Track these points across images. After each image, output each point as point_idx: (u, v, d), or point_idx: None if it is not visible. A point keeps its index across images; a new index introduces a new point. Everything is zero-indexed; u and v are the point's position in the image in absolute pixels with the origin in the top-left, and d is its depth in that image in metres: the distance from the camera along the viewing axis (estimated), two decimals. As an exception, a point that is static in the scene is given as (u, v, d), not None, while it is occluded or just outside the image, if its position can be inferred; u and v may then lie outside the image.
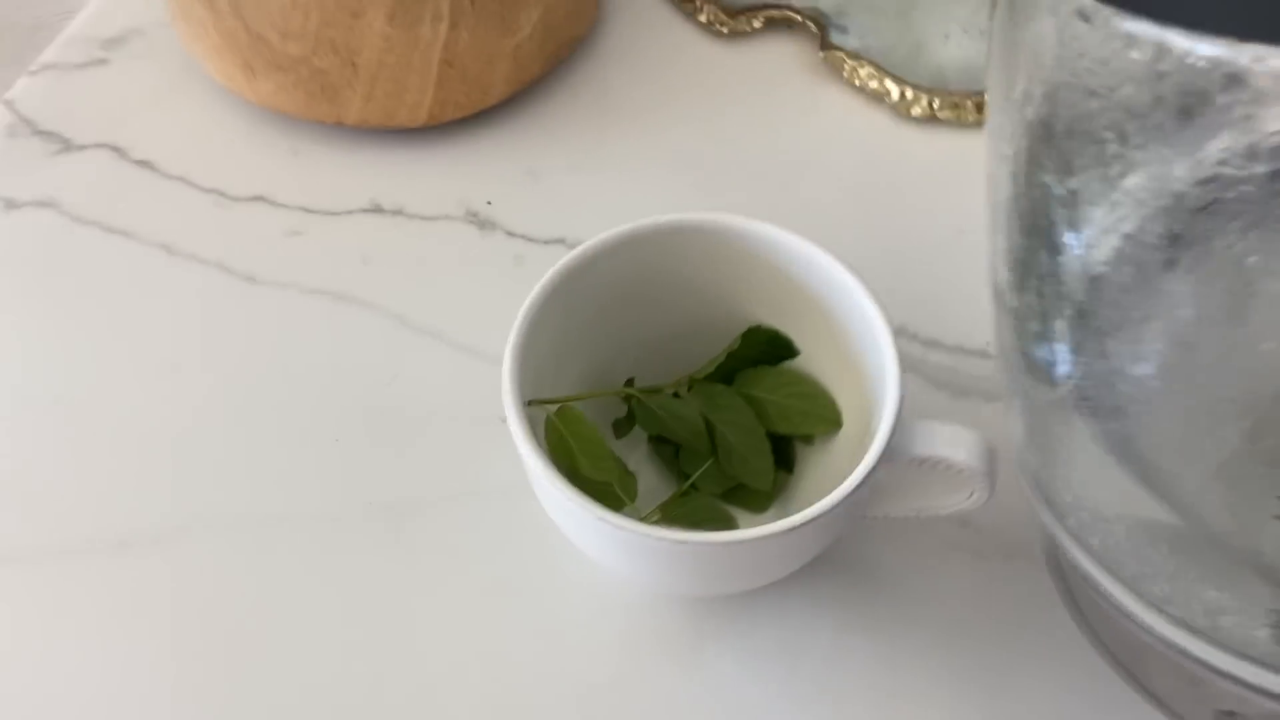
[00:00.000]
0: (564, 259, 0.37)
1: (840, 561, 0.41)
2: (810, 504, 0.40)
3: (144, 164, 0.53)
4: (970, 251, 0.50)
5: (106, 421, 0.46)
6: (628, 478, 0.38)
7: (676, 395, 0.40)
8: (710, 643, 0.40)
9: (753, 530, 0.32)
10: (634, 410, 0.40)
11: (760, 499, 0.41)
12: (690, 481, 0.40)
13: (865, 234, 0.49)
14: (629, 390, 0.40)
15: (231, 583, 0.42)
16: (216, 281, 0.49)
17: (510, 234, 0.50)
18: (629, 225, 0.38)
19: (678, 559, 0.32)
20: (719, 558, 0.32)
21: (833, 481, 0.39)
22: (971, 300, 0.47)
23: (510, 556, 0.42)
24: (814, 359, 0.40)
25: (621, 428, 0.41)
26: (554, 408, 0.37)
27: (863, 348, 0.37)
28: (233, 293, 0.49)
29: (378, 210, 0.51)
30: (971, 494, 0.36)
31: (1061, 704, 0.39)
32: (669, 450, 0.42)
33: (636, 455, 0.42)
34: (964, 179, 0.52)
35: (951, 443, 0.34)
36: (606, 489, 0.37)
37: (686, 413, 0.40)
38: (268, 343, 0.47)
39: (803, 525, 0.32)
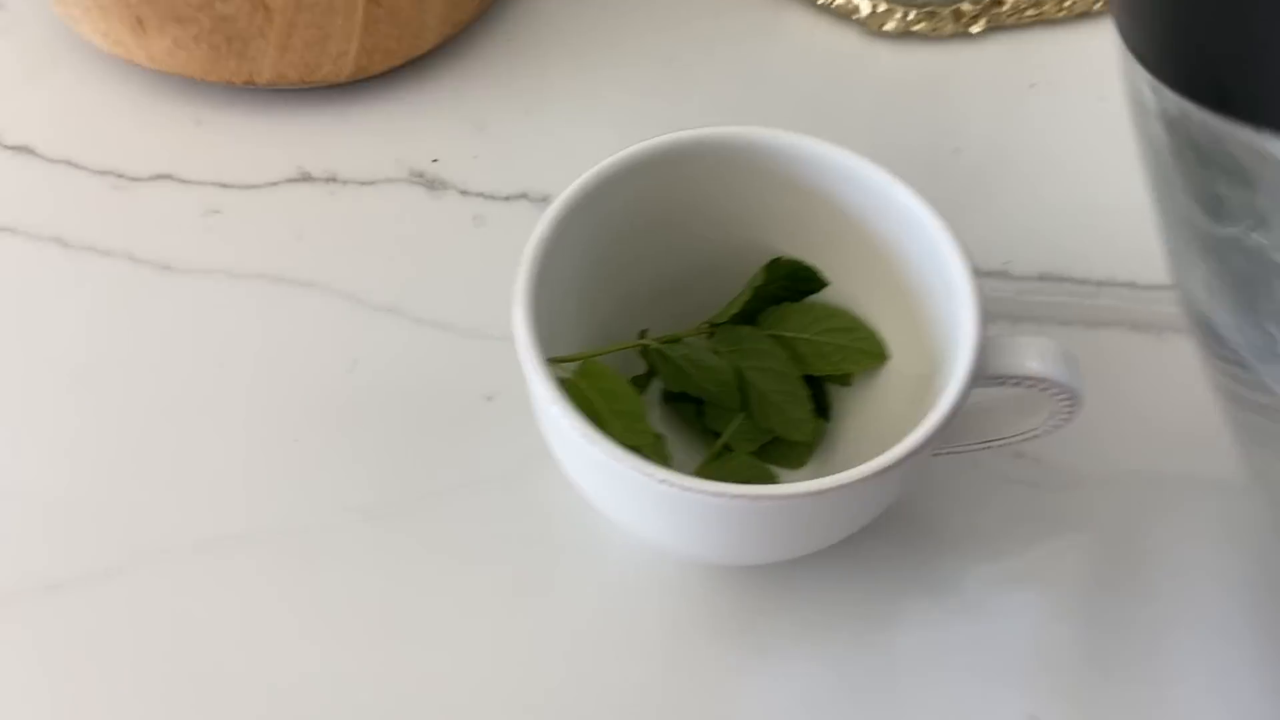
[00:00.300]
0: (566, 193, 0.31)
1: (889, 514, 0.37)
2: (858, 454, 0.36)
3: (20, 149, 0.45)
4: (971, 171, 0.46)
5: (13, 447, 0.38)
6: (659, 440, 0.33)
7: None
8: (761, 618, 0.35)
9: (841, 476, 0.27)
10: (654, 364, 0.35)
11: (798, 453, 0.36)
12: (723, 440, 0.35)
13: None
14: (649, 341, 0.35)
15: (191, 621, 0.35)
16: (125, 274, 0.42)
17: (464, 193, 0.44)
18: (637, 146, 0.32)
19: (755, 519, 0.27)
20: (803, 512, 0.27)
21: (882, 425, 0.35)
22: (984, 222, 0.44)
23: (520, 549, 0.36)
24: (844, 290, 0.36)
25: (639, 385, 0.36)
26: (570, 366, 0.32)
27: (916, 267, 0.33)
28: (146, 285, 0.42)
29: (306, 179, 0.45)
30: (1053, 415, 0.31)
31: (1150, 638, 0.35)
32: (690, 409, 0.36)
33: (651, 417, 0.37)
34: (950, 96, 0.49)
35: (1042, 356, 0.30)
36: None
37: (714, 362, 0.35)
38: (196, 338, 0.41)
39: (896, 464, 0.27)
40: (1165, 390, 0.39)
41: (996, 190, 0.45)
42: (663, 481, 0.26)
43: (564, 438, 0.28)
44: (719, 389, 0.35)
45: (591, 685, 0.34)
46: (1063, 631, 0.35)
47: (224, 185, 0.44)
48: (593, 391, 0.31)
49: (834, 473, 0.35)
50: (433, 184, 0.45)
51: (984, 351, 0.29)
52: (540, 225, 0.31)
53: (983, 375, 0.29)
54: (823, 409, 0.37)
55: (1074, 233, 0.44)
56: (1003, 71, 0.48)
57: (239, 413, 0.39)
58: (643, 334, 0.36)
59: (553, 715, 0.34)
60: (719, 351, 0.35)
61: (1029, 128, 0.47)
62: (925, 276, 0.32)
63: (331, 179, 0.45)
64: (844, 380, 0.37)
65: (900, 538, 0.37)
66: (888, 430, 0.35)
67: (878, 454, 0.34)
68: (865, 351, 0.35)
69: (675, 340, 0.35)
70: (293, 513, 0.37)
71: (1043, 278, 0.43)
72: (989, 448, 0.33)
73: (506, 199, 0.44)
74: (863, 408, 0.36)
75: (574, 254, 0.32)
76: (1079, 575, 0.36)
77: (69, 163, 0.45)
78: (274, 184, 0.45)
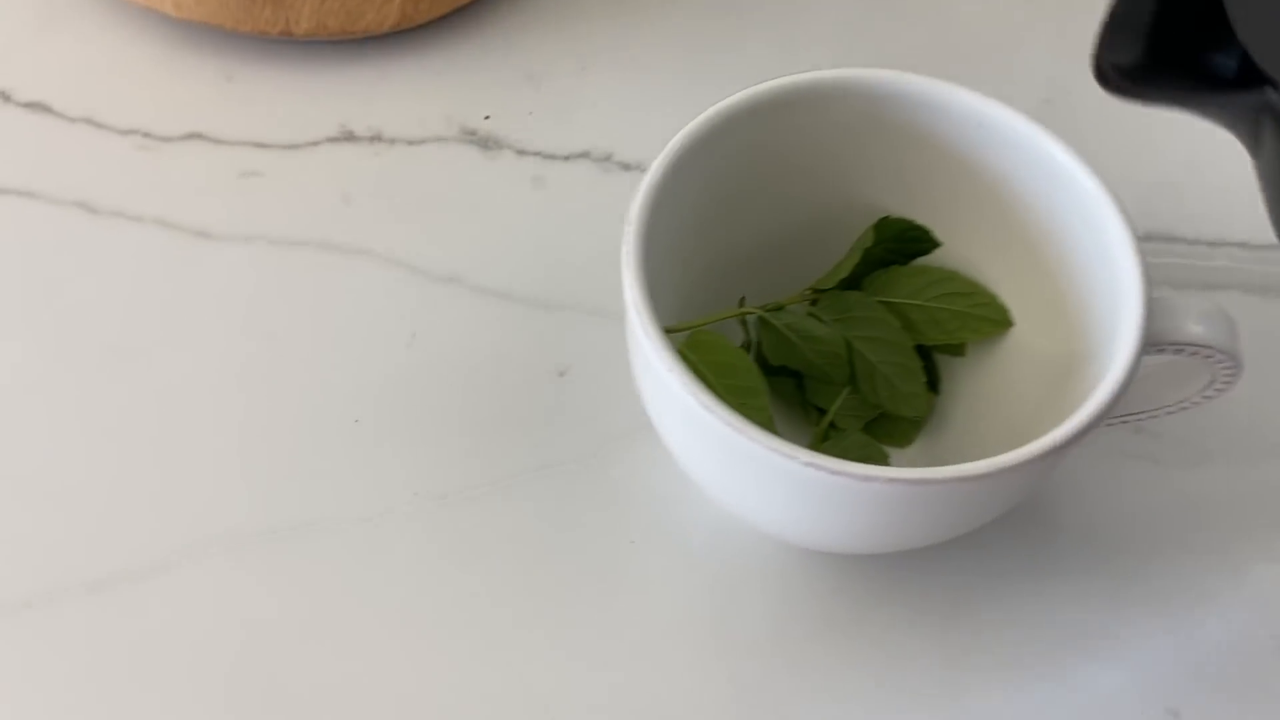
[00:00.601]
0: (674, 143, 0.28)
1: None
2: (972, 431, 0.33)
3: (36, 106, 0.41)
4: (1066, 123, 0.43)
5: (46, 433, 0.35)
6: (772, 421, 0.30)
7: (807, 312, 0.32)
8: (873, 609, 0.32)
9: (1012, 455, 0.24)
10: (755, 334, 0.32)
11: (905, 430, 0.33)
12: (829, 418, 0.32)
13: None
14: (755, 309, 0.32)
15: (248, 622, 0.32)
16: (159, 242, 0.38)
17: (521, 152, 0.41)
18: (749, 92, 0.29)
19: (910, 504, 0.25)
20: (963, 496, 0.25)
21: (1000, 400, 0.32)
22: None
23: (600, 537, 0.33)
24: (957, 252, 0.33)
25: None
26: (677, 338, 0.29)
27: (1058, 228, 0.29)
28: (183, 254, 0.38)
29: (349, 138, 0.41)
30: (1211, 384, 0.29)
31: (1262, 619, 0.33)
32: (787, 383, 0.33)
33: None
34: (1034, 40, 0.45)
35: (1207, 319, 0.27)
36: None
37: (822, 332, 0.32)
38: (241, 311, 0.37)
39: (1069, 440, 0.24)
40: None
41: (1095, 144, 0.42)
42: (809, 465, 0.23)
43: (686, 416, 0.25)
44: (826, 361, 0.32)
45: (685, 685, 0.31)
46: (1199, 620, 0.33)
47: (260, 145, 0.41)
48: (704, 365, 0.28)
49: (945, 452, 0.33)
50: (486, 143, 0.41)
51: (1150, 317, 0.26)
52: (647, 179, 0.27)
53: (1150, 344, 0.26)
54: (932, 382, 0.34)
55: (1181, 190, 0.41)
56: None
57: (292, 392, 0.36)
58: (740, 302, 0.33)
59: (651, 706, 0.31)
60: (825, 320, 0.32)
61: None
62: (1068, 238, 0.29)
63: (376, 138, 0.41)
64: (958, 350, 0.34)
65: (1011, 520, 0.34)
66: (1007, 406, 0.32)
67: (995, 431, 0.32)
68: (986, 318, 0.32)
69: (779, 308, 0.32)
70: (356, 500, 0.34)
71: (1149, 237, 0.40)
72: (1128, 422, 0.30)
73: (566, 159, 0.41)
74: (976, 380, 0.33)
75: (675, 214, 0.29)
76: (1211, 559, 0.34)
77: (90, 121, 0.41)
78: (314, 144, 0.41)
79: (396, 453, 0.34)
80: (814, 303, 0.33)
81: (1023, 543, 0.34)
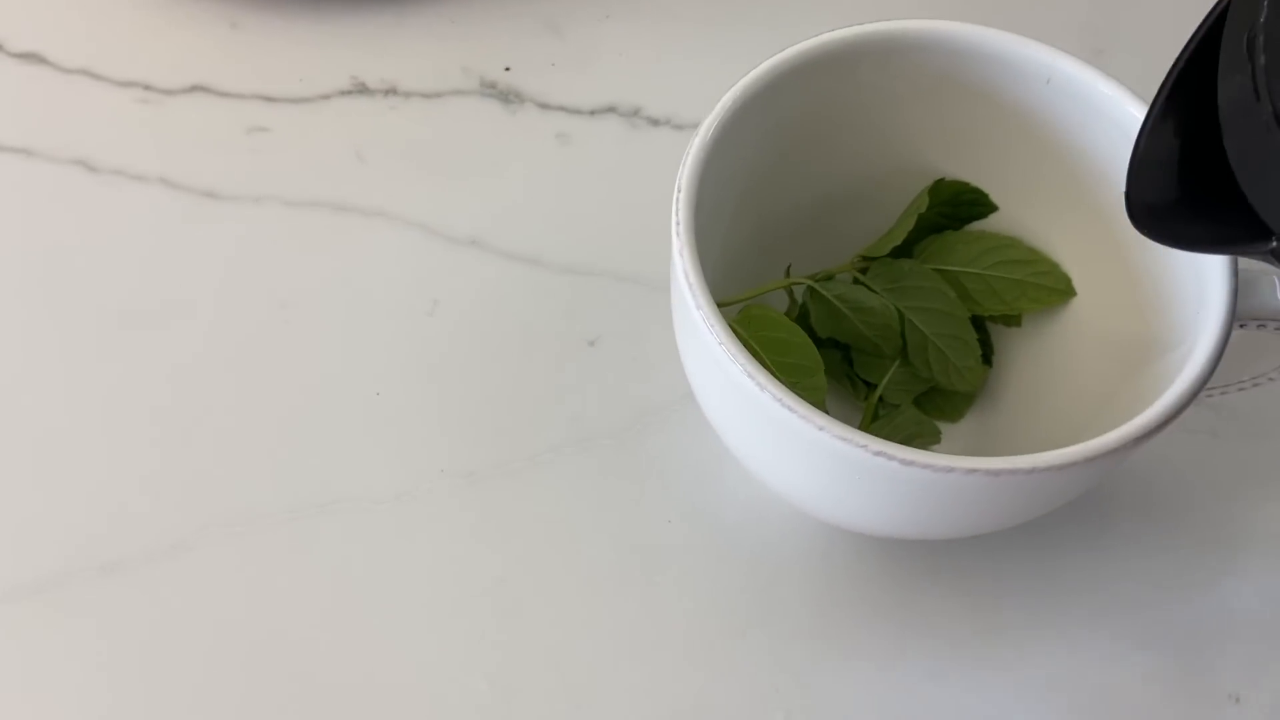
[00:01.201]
0: (723, 103, 0.26)
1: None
2: (1025, 406, 0.31)
3: (30, 57, 0.39)
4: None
5: (51, 408, 0.33)
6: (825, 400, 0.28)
7: (856, 281, 0.30)
8: (920, 594, 0.31)
9: (1092, 445, 0.22)
10: (806, 306, 0.30)
11: (956, 404, 0.32)
12: (879, 392, 0.30)
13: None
14: (804, 279, 0.30)
15: (270, 604, 0.30)
16: (163, 202, 0.36)
17: (544, 106, 0.39)
18: (804, 45, 0.27)
19: (981, 493, 0.23)
20: (1035, 486, 0.23)
21: (1058, 374, 0.30)
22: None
23: (636, 515, 0.32)
24: (1015, 216, 0.31)
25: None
26: (729, 311, 0.27)
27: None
28: (189, 215, 0.36)
29: (362, 91, 0.39)
30: (1290, 360, 0.27)
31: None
32: (833, 356, 0.32)
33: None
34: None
35: (1293, 294, 0.25)
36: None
37: (874, 303, 0.30)
38: (253, 277, 0.35)
39: (1157, 426, 0.22)
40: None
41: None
42: (879, 454, 0.22)
43: (742, 398, 0.23)
44: (878, 334, 0.30)
45: (725, 669, 0.30)
46: (1262, 605, 0.31)
47: (268, 99, 0.39)
48: (757, 341, 0.26)
49: (999, 429, 0.32)
50: (507, 96, 0.39)
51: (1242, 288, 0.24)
52: (697, 141, 0.25)
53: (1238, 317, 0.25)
54: (986, 355, 0.32)
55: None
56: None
57: (308, 364, 0.34)
58: (786, 271, 0.31)
59: (685, 704, 0.30)
60: (875, 290, 0.30)
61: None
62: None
63: (391, 90, 0.39)
64: (1014, 321, 0.32)
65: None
66: (1066, 383, 0.31)
67: (1051, 409, 0.30)
68: (1047, 287, 0.30)
69: (829, 278, 0.30)
70: (379, 478, 0.32)
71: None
72: (1208, 396, 0.29)
73: (592, 113, 0.39)
74: (1033, 354, 0.32)
75: (723, 178, 0.27)
76: (1272, 540, 0.32)
77: (87, 73, 0.39)
78: (326, 97, 0.39)
79: (420, 428, 0.33)
80: (864, 271, 0.31)
81: (1077, 521, 0.32)
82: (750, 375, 0.23)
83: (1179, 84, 0.21)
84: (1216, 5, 0.20)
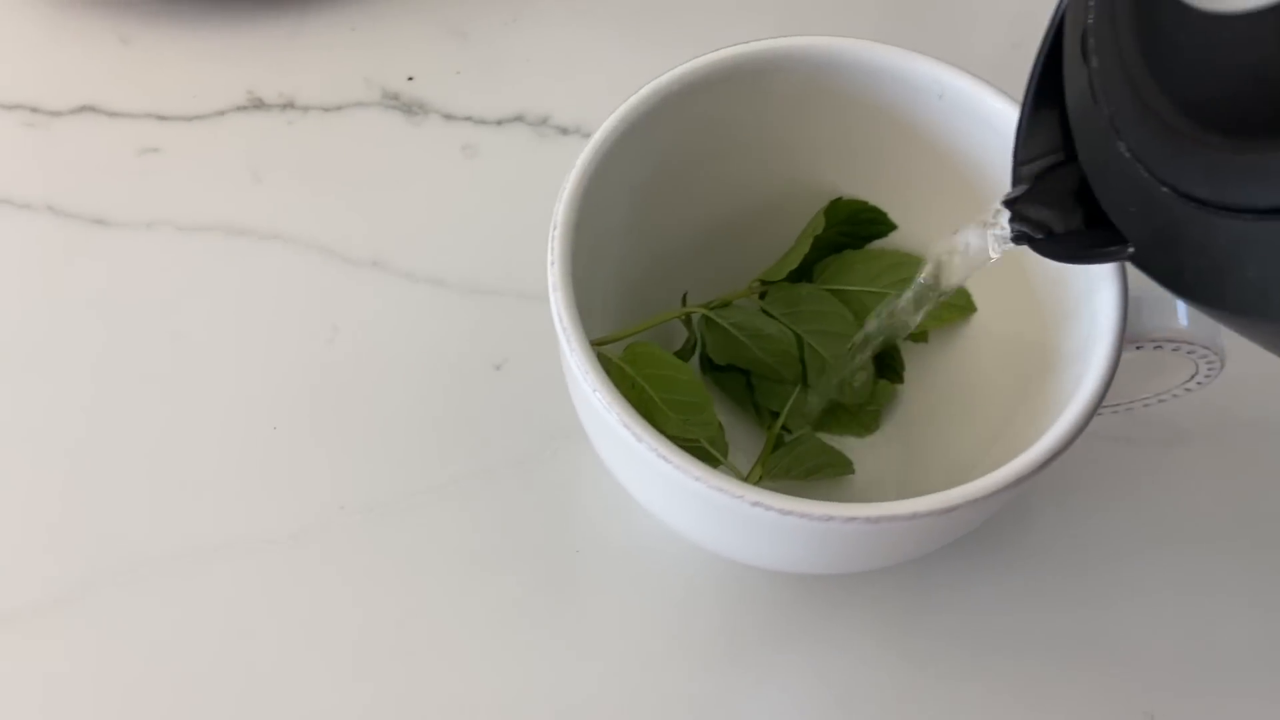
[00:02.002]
0: (606, 126, 0.25)
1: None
2: (936, 419, 0.31)
3: (-93, 80, 0.37)
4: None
5: (-73, 452, 0.32)
6: (721, 431, 0.27)
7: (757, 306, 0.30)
8: (832, 616, 0.30)
9: (979, 485, 0.21)
10: (700, 335, 0.29)
11: (865, 419, 0.31)
12: (781, 421, 0.30)
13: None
14: (697, 308, 0.29)
15: (160, 648, 0.29)
16: (48, 231, 0.35)
17: (449, 117, 0.38)
18: (693, 64, 0.26)
19: (865, 539, 0.22)
20: (926, 527, 0.22)
21: (966, 388, 0.30)
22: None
23: (544, 546, 0.31)
24: (917, 234, 0.30)
25: (681, 357, 0.30)
26: (613, 347, 0.26)
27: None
28: (76, 244, 0.35)
29: (258, 106, 0.38)
30: (1193, 378, 0.26)
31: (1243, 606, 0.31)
32: (738, 380, 0.31)
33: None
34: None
35: (1189, 315, 0.24)
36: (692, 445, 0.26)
37: (772, 329, 0.29)
38: (142, 307, 0.34)
39: (1046, 460, 0.22)
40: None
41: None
42: (756, 505, 0.21)
43: (625, 450, 0.22)
44: (778, 360, 0.29)
45: (639, 704, 0.29)
46: (1176, 615, 0.31)
47: (161, 117, 0.37)
48: (643, 377, 0.25)
49: (911, 440, 0.31)
50: (411, 107, 0.38)
51: (1131, 313, 0.24)
52: (573, 175, 0.24)
53: (1130, 341, 0.24)
54: (895, 369, 0.31)
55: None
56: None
57: (203, 397, 0.33)
58: (684, 298, 0.30)
59: (602, 744, 0.29)
60: (774, 315, 0.29)
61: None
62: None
63: (289, 105, 0.38)
64: (920, 337, 0.31)
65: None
66: (974, 393, 0.30)
67: (962, 419, 0.30)
68: (947, 304, 0.30)
69: (725, 304, 0.29)
70: (276, 517, 0.31)
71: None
72: (1102, 413, 0.28)
73: (499, 123, 0.38)
74: (942, 366, 0.31)
75: (609, 207, 0.26)
76: (1189, 547, 0.32)
77: (-31, 95, 0.37)
78: (220, 113, 0.37)
79: (319, 462, 0.32)
80: (762, 296, 0.30)
81: (992, 535, 0.32)
82: (626, 425, 0.22)
83: (1041, 90, 0.20)
84: (1059, 6, 0.19)
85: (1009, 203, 0.21)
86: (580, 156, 0.25)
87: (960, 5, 0.40)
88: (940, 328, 0.30)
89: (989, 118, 0.26)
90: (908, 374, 0.31)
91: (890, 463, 0.31)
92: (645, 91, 0.26)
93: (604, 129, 0.25)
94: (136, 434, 0.32)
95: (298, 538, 0.31)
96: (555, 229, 0.24)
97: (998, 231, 0.22)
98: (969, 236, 0.23)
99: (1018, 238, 0.21)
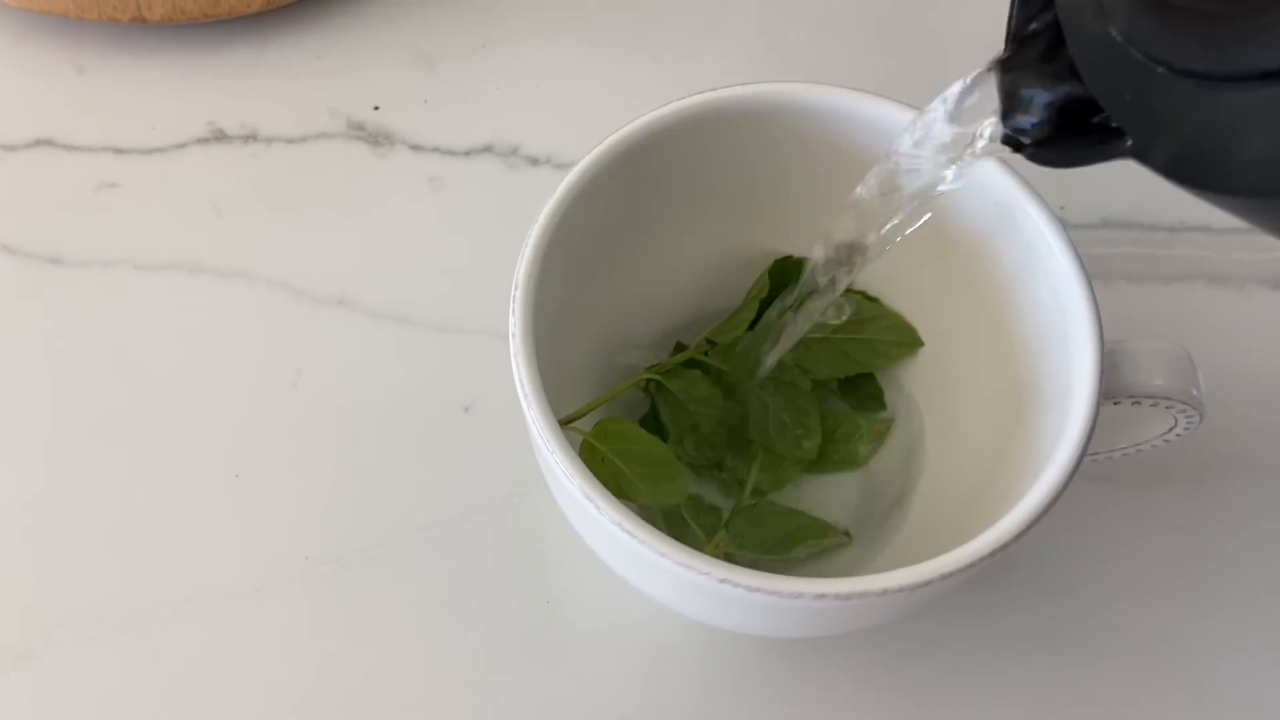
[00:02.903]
0: (573, 174, 0.24)
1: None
2: (925, 454, 0.30)
3: None
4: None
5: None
6: (692, 499, 0.27)
7: (696, 364, 0.29)
8: (811, 677, 0.30)
9: (935, 564, 0.21)
10: (655, 402, 0.29)
11: (858, 454, 0.31)
12: (749, 489, 0.29)
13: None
14: (651, 374, 0.28)
15: (125, 703, 0.29)
16: (3, 269, 0.34)
17: (416, 148, 0.37)
18: (660, 112, 0.25)
19: (834, 613, 0.22)
20: (888, 605, 0.22)
21: (948, 427, 0.29)
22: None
23: (525, 597, 0.30)
24: (881, 270, 0.29)
25: (647, 425, 0.29)
26: (584, 423, 0.25)
27: (996, 256, 0.26)
28: (31, 283, 0.34)
29: (220, 138, 0.37)
30: (1171, 430, 0.26)
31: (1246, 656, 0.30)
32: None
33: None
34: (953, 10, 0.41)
35: (1168, 372, 0.24)
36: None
37: (707, 393, 0.28)
38: (98, 349, 0.33)
39: (1008, 542, 0.21)
40: (1255, 358, 0.34)
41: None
42: (724, 581, 0.20)
43: (591, 522, 0.22)
44: (712, 430, 0.29)
45: (616, 761, 0.29)
46: (1165, 661, 0.30)
47: (119, 151, 0.36)
48: (614, 453, 0.25)
49: (897, 475, 0.30)
50: (376, 138, 0.37)
51: (1106, 373, 0.23)
52: (533, 237, 0.24)
53: (1106, 398, 0.23)
54: (876, 399, 0.31)
55: (1137, 170, 0.37)
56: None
57: (162, 443, 0.32)
58: (676, 348, 0.29)
59: (573, 802, 0.28)
60: (716, 372, 0.29)
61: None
62: (1018, 280, 0.26)
63: (251, 136, 0.37)
64: (878, 403, 0.31)
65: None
66: (956, 431, 0.29)
67: (948, 458, 0.29)
68: (895, 343, 0.29)
69: (680, 363, 0.29)
70: (241, 569, 0.30)
71: (1105, 224, 0.37)
72: (1093, 461, 0.28)
73: (467, 154, 0.37)
74: (925, 399, 0.30)
75: (576, 254, 0.25)
76: (1173, 588, 0.31)
77: (-79, 129, 0.36)
78: (181, 146, 0.37)
79: (283, 512, 0.31)
80: (706, 354, 0.29)
81: (972, 583, 0.31)
82: (589, 498, 0.21)
83: None
84: None
85: (1001, 61, 0.19)
86: (542, 210, 0.24)
87: (931, 38, 0.39)
88: (890, 366, 0.30)
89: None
90: (891, 397, 0.31)
91: (874, 504, 0.30)
92: (606, 145, 0.25)
93: (566, 183, 0.24)
94: (94, 482, 0.31)
95: (262, 591, 0.30)
96: (517, 289, 0.23)
97: (982, 142, 0.20)
98: (926, 140, 0.21)
99: (1009, 140, 0.19)
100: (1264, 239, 0.36)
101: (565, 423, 0.24)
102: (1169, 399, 0.24)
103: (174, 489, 0.31)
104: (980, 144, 0.20)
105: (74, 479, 0.31)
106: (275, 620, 0.30)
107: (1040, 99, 0.19)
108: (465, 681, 0.29)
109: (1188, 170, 0.16)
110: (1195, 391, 0.24)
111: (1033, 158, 0.19)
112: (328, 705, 0.29)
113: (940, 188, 0.22)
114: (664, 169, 0.26)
